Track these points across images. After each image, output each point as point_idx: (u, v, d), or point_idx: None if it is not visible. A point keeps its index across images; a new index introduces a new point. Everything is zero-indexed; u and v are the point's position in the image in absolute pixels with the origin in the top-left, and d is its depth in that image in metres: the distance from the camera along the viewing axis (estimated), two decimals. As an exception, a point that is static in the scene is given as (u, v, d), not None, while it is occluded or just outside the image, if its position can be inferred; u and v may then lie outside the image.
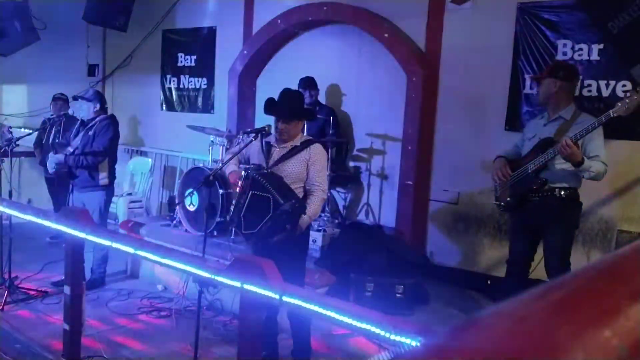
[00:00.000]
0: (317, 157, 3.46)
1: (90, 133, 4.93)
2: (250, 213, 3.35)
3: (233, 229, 4.70)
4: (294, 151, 3.46)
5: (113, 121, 5.13)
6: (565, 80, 3.71)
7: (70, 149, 4.96)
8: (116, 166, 5.25)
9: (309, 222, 3.49)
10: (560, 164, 3.63)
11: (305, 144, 3.48)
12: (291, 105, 3.48)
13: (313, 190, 3.45)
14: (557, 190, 3.67)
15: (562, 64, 4.22)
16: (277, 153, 3.49)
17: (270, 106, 3.50)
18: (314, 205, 3.43)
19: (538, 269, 3.86)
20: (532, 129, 3.91)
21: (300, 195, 3.45)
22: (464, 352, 0.42)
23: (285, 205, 3.24)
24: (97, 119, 5.01)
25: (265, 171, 3.42)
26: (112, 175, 5.10)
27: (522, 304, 0.50)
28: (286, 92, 3.51)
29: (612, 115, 3.36)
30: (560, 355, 0.43)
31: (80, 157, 4.88)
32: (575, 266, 3.67)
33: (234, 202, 3.52)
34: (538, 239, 3.84)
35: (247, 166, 3.53)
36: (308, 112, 3.81)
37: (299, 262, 3.57)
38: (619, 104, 3.36)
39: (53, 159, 4.93)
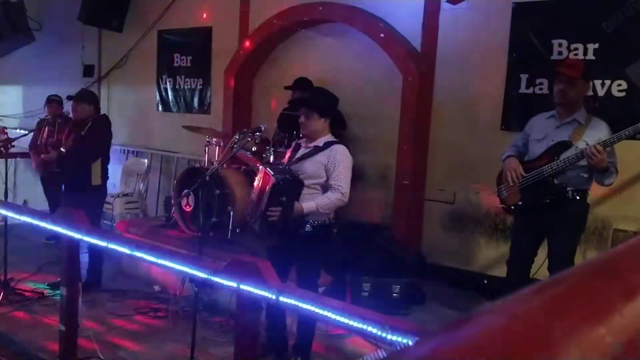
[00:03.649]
0: (338, 160, 3.37)
1: (83, 133, 4.92)
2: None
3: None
4: (315, 151, 3.44)
5: (106, 122, 5.13)
6: (589, 81, 3.61)
7: (62, 149, 4.95)
8: (112, 167, 5.24)
9: (313, 210, 3.31)
10: (582, 169, 3.51)
11: (327, 145, 3.43)
12: (311, 97, 3.48)
13: (330, 189, 3.36)
14: (570, 192, 3.54)
15: (586, 63, 4.08)
16: (300, 152, 3.52)
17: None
18: (324, 198, 3.32)
19: (540, 270, 3.84)
20: (542, 129, 3.71)
21: (318, 194, 3.40)
22: (458, 350, 0.42)
23: (277, 175, 3.25)
24: (90, 119, 5.00)
25: (282, 167, 3.44)
26: (104, 176, 5.09)
27: (517, 301, 0.50)
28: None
29: None
30: (554, 352, 0.43)
31: (73, 157, 4.86)
32: (571, 265, 3.66)
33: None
34: (541, 241, 3.75)
35: (264, 163, 3.56)
36: (328, 108, 3.56)
37: (314, 264, 3.57)
38: None
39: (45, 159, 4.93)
